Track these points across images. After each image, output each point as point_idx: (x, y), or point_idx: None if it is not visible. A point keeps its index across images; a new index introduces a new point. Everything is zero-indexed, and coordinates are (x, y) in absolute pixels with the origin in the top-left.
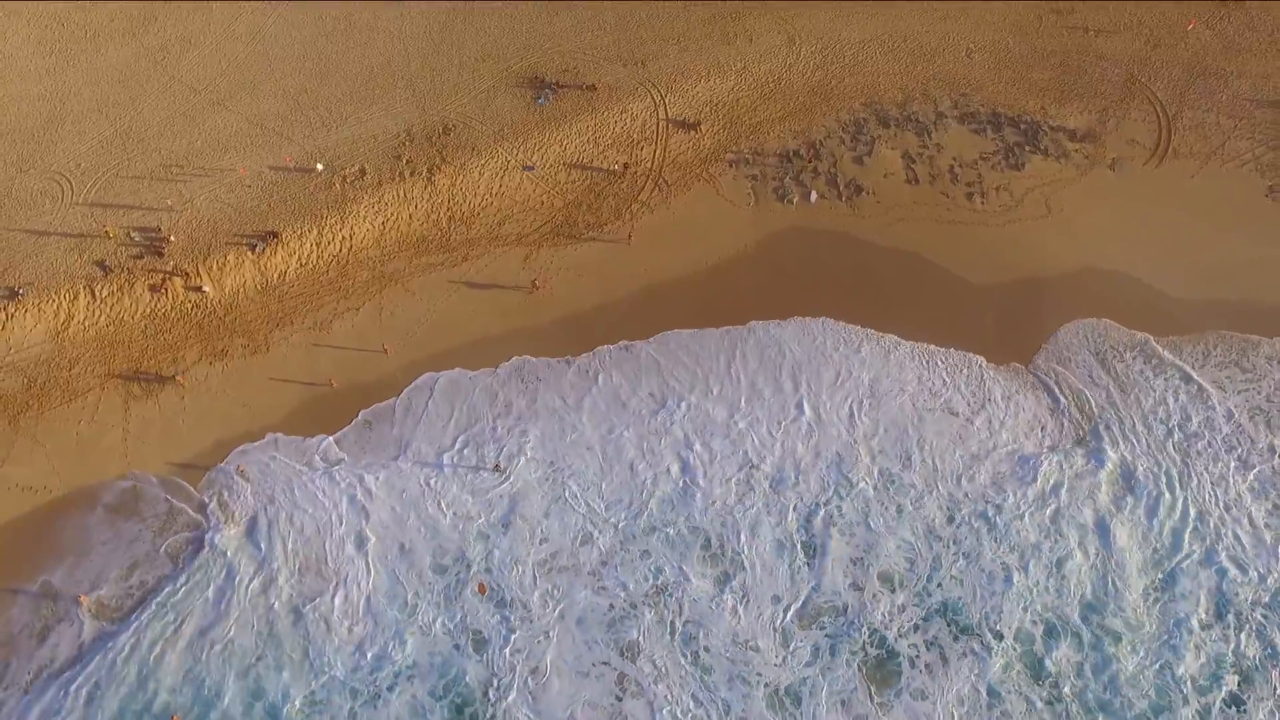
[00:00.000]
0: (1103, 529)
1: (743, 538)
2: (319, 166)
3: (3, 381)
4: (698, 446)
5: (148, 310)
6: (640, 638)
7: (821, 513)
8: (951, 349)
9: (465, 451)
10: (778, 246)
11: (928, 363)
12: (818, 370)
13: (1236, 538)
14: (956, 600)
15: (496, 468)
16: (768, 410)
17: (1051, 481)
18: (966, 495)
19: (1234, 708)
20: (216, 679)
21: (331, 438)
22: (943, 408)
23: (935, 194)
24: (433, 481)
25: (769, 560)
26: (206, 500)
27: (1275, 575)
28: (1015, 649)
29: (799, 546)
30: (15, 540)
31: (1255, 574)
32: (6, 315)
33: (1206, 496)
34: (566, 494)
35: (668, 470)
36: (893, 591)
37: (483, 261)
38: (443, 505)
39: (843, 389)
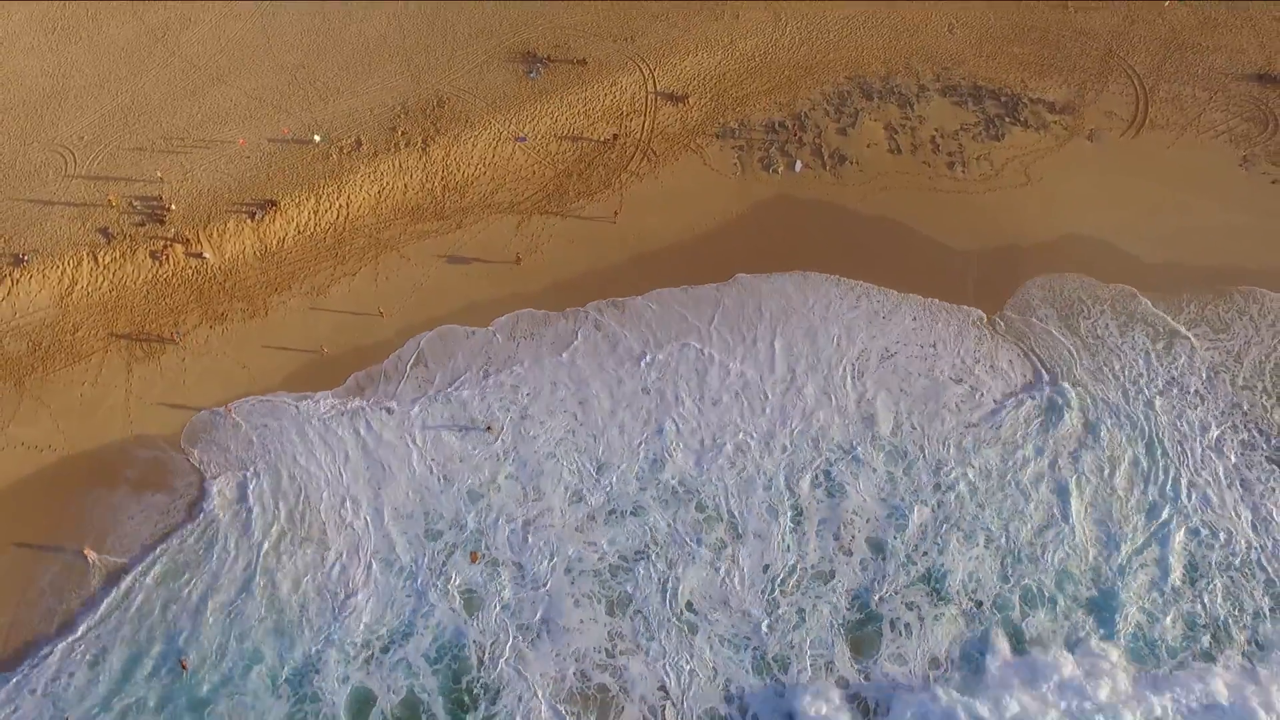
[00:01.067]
0: (1069, 492)
1: (734, 499)
2: (316, 138)
3: (8, 345)
4: (690, 405)
5: (149, 276)
6: (631, 596)
7: (813, 475)
8: (947, 303)
9: (457, 410)
10: (763, 214)
11: (919, 318)
12: (811, 328)
13: (1204, 499)
14: (939, 567)
15: (488, 429)
16: (761, 366)
17: (1033, 445)
18: (952, 458)
19: (1205, 661)
20: (214, 640)
21: (330, 394)
22: (932, 366)
23: (917, 163)
24: (424, 442)
25: (759, 524)
26: (201, 458)
27: (1240, 535)
28: (994, 615)
29: (789, 510)
30: (25, 500)
31: (1222, 534)
32: (12, 281)
33: (1177, 456)
34: (559, 452)
35: (660, 428)
36: (879, 557)
37: (476, 229)
38: (434, 466)
39: (837, 349)
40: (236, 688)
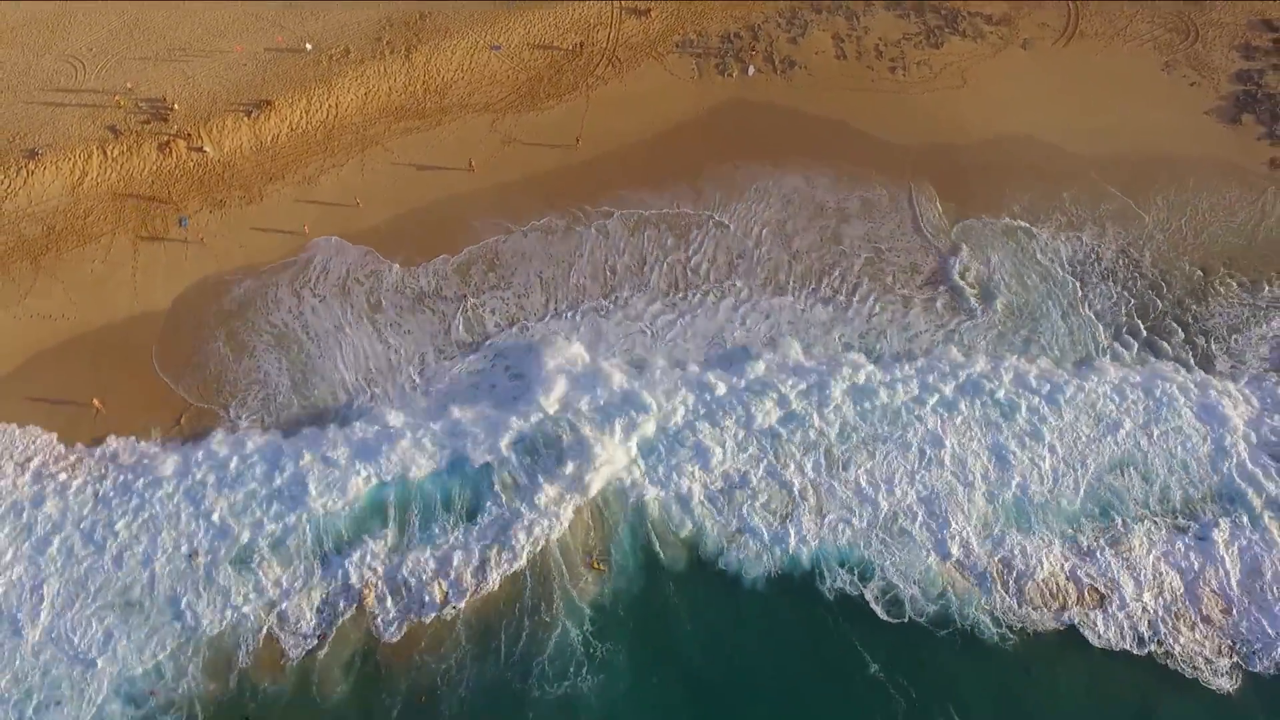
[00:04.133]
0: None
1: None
2: (308, 46)
3: (24, 228)
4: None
5: (154, 167)
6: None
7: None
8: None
9: (432, 308)
10: (719, 114)
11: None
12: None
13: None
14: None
15: (466, 306)
16: (745, 273)
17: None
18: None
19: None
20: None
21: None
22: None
23: (861, 68)
24: (398, 336)
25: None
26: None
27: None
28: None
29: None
30: (41, 363)
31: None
32: (28, 172)
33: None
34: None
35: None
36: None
37: (455, 127)
38: (414, 359)
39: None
40: None
